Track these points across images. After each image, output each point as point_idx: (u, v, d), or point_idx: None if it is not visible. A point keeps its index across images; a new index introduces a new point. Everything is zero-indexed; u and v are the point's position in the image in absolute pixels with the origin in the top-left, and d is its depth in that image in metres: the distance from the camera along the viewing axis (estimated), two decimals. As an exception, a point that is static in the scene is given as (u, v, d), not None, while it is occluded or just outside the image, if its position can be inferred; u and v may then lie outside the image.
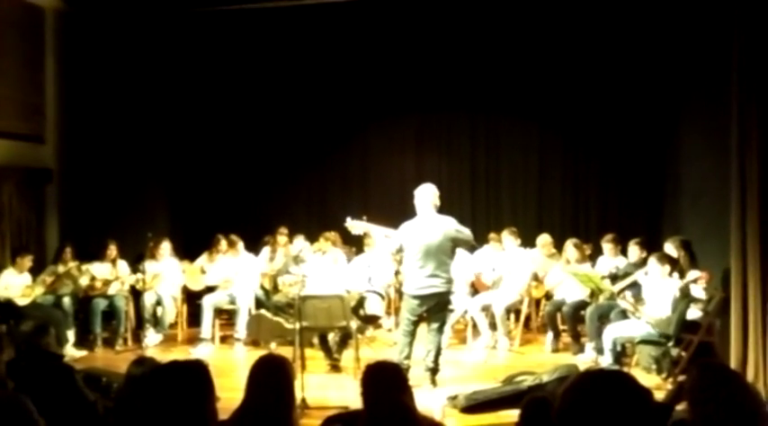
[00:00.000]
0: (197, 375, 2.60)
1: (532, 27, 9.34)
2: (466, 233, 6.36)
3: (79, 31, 8.98)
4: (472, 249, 7.92)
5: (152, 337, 8.17)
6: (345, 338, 6.96)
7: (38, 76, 8.81)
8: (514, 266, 7.97)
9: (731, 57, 5.93)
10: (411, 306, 6.21)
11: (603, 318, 7.01)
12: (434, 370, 6.31)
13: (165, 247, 8.43)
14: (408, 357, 6.19)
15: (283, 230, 9.06)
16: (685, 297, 6.22)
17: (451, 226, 6.27)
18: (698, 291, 6.38)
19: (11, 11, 8.37)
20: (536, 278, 8.18)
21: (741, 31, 5.80)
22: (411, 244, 6.16)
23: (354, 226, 6.64)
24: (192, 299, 8.59)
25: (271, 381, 3.10)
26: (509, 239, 8.08)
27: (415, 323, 6.26)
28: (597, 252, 8.05)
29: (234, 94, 10.21)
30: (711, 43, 6.87)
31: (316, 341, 7.18)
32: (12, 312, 7.38)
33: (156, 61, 9.32)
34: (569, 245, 7.77)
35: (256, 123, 10.25)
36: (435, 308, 6.25)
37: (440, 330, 6.38)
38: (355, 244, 8.59)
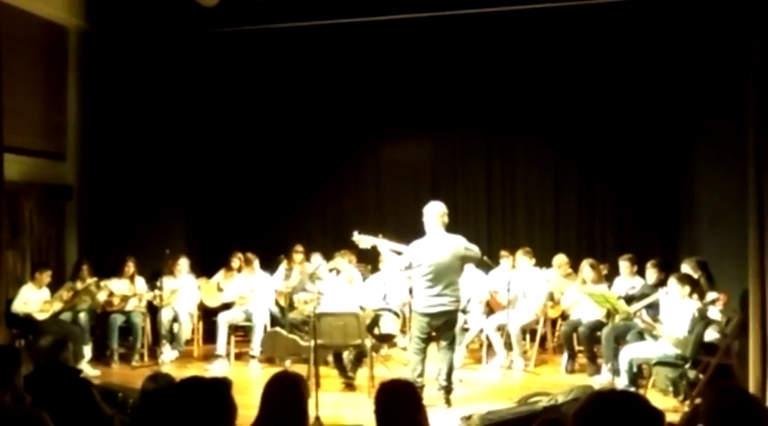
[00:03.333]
0: (219, 393, 2.60)
1: (549, 48, 9.38)
2: (475, 250, 6.42)
3: (101, 51, 9.15)
4: (488, 268, 7.95)
5: (168, 353, 8.21)
6: (360, 356, 6.96)
7: (60, 95, 8.97)
8: (530, 286, 7.95)
9: (747, 79, 5.92)
10: (420, 325, 6.22)
11: (620, 339, 6.96)
12: (448, 389, 6.30)
13: (183, 264, 8.51)
14: (421, 375, 6.19)
15: (299, 248, 9.10)
16: (703, 319, 6.17)
17: (460, 245, 6.31)
18: (714, 313, 6.33)
19: (35, 30, 8.55)
20: (552, 298, 8.14)
21: (757, 53, 5.80)
22: (421, 263, 6.18)
23: (362, 239, 6.66)
24: (209, 316, 8.65)
25: (285, 399, 3.11)
26: (523, 259, 8.06)
27: (426, 341, 6.27)
28: (613, 272, 8.01)
29: (250, 113, 10.32)
30: (727, 64, 6.87)
31: (330, 359, 7.18)
32: (31, 327, 7.47)
33: (175, 80, 9.46)
34: (585, 265, 7.73)
35: (273, 141, 10.34)
36: (444, 327, 6.26)
37: (450, 347, 6.38)
38: (370, 262, 8.61)
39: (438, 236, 6.27)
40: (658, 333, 6.36)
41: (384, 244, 6.52)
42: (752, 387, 5.61)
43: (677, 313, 6.28)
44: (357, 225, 9.35)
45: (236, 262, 8.71)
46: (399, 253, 6.40)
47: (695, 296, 6.37)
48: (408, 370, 6.30)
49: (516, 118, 9.80)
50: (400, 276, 7.03)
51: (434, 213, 6.31)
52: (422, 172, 10.27)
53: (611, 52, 9.17)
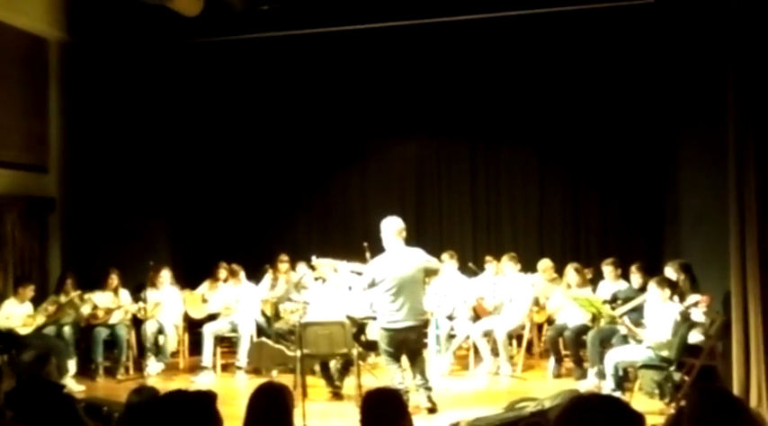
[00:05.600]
0: (203, 407, 2.58)
1: (532, 55, 9.44)
2: (434, 262, 6.55)
3: (82, 63, 9.11)
4: (472, 274, 7.96)
5: (153, 366, 8.15)
6: (347, 365, 6.94)
7: (41, 107, 8.91)
8: (515, 291, 7.96)
9: (727, 85, 5.99)
10: (387, 340, 6.25)
11: (605, 342, 6.99)
12: (427, 387, 6.32)
13: (165, 275, 8.45)
14: (402, 382, 6.21)
15: (284, 257, 9.06)
16: (686, 321, 6.21)
17: (422, 258, 6.36)
18: (698, 315, 6.37)
19: (16, 42, 8.50)
20: (537, 303, 8.17)
21: (736, 58, 5.87)
22: (384, 278, 6.19)
23: (321, 263, 6.68)
24: (194, 327, 8.58)
25: (269, 409, 3.11)
26: (508, 265, 8.06)
27: (397, 352, 6.29)
28: (598, 276, 8.04)
29: (234, 123, 10.29)
30: (708, 71, 6.94)
31: (317, 368, 7.16)
32: (13, 341, 7.38)
33: (158, 92, 9.42)
34: (570, 270, 7.76)
35: (257, 152, 10.32)
36: (410, 342, 6.28)
37: (420, 358, 6.42)
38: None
39: (399, 251, 6.29)
40: (641, 338, 6.40)
41: (344, 266, 6.54)
42: (736, 388, 5.65)
43: (660, 316, 6.32)
44: (343, 233, 9.45)
45: (222, 273, 8.66)
46: (360, 274, 6.41)
47: (677, 298, 6.41)
48: (388, 380, 6.29)
49: (500, 124, 9.83)
50: (363, 295, 7.00)
51: (393, 229, 6.33)
52: (407, 179, 10.27)
53: (594, 59, 9.24)
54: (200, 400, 2.61)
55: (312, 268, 8.05)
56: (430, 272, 6.49)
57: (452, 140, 10.12)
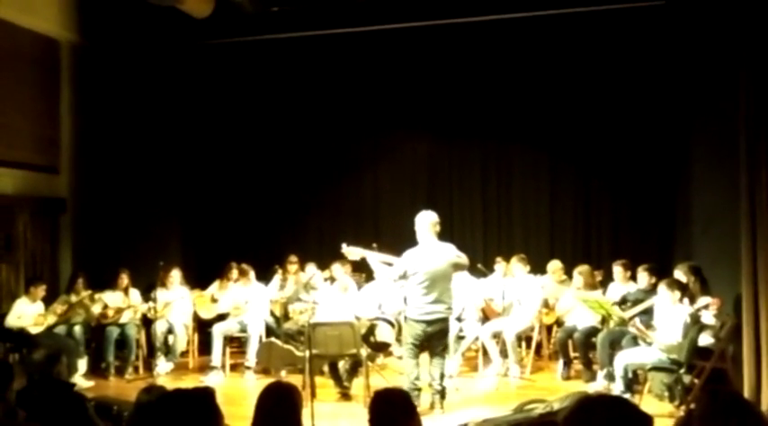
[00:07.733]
0: (203, 403, 2.61)
1: (544, 57, 9.42)
2: (464, 258, 6.57)
3: (94, 65, 9.17)
4: (482, 275, 7.97)
5: (163, 365, 8.19)
6: (356, 366, 6.95)
7: (53, 108, 8.98)
8: (525, 293, 7.94)
9: (739, 86, 5.96)
10: (415, 331, 6.28)
11: (615, 345, 6.96)
12: (442, 393, 6.36)
13: (175, 275, 8.49)
14: (418, 378, 6.27)
15: (293, 258, 9.09)
16: (696, 324, 6.18)
17: (452, 253, 6.42)
18: (708, 317, 6.33)
19: (28, 44, 8.56)
20: (547, 304, 8.14)
21: (748, 59, 5.84)
22: (416, 272, 6.24)
23: (351, 251, 6.71)
24: (204, 327, 8.61)
25: (278, 410, 3.11)
26: (518, 266, 8.04)
27: (419, 347, 6.34)
28: (609, 278, 8.01)
29: (245, 124, 10.33)
30: (720, 72, 6.91)
31: (326, 368, 7.16)
32: (24, 340, 7.44)
33: (169, 93, 9.46)
34: (575, 273, 7.75)
35: (268, 152, 10.35)
36: (439, 334, 6.37)
37: (443, 354, 6.50)
38: (365, 271, 8.59)
39: (432, 245, 6.34)
40: (651, 341, 6.37)
41: (373, 256, 6.58)
42: (746, 391, 5.62)
43: (670, 318, 6.29)
44: (353, 234, 9.39)
45: (234, 274, 8.68)
46: (389, 264, 6.43)
47: (686, 300, 6.38)
48: (405, 376, 6.34)
49: (512, 125, 9.82)
50: (393, 286, 7.03)
51: (427, 222, 6.39)
52: (418, 180, 10.28)
53: (606, 60, 9.21)
54: (200, 396, 2.64)
55: (337, 263, 8.04)
56: (458, 268, 6.56)
57: (464, 141, 10.11)
